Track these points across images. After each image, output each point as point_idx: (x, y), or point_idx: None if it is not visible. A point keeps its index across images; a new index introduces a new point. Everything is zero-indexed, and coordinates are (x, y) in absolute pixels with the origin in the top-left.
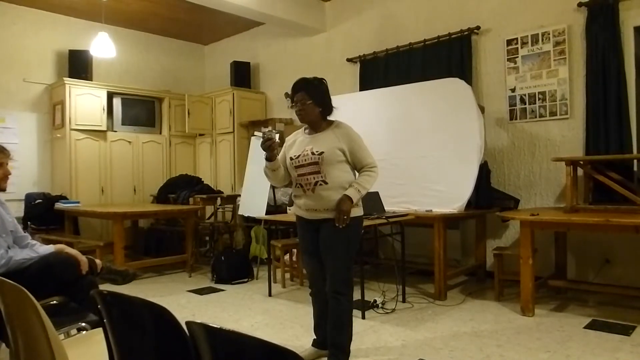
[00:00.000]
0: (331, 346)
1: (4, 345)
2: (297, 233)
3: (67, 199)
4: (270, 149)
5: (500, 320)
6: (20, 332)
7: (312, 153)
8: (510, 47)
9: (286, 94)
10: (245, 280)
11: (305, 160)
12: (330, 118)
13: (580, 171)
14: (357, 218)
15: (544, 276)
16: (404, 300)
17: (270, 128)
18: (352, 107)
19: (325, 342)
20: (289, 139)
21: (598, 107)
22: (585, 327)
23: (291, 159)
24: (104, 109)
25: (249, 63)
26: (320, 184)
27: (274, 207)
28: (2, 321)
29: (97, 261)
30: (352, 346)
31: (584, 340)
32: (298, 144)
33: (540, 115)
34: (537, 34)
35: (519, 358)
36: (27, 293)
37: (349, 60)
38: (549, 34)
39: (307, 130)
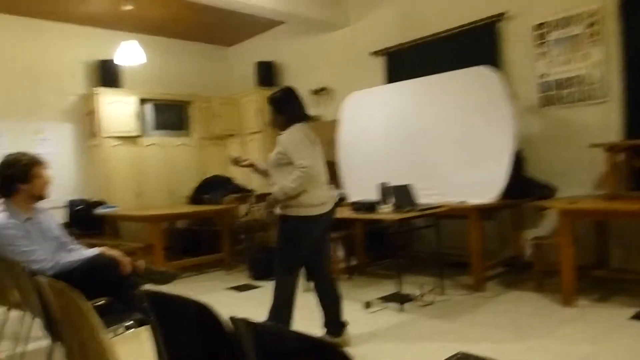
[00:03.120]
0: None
1: (59, 344)
2: None
3: (105, 204)
4: (238, 166)
5: (541, 311)
6: (73, 332)
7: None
8: (538, 32)
9: (311, 91)
10: None
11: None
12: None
13: (619, 157)
14: (293, 218)
15: (585, 266)
16: (441, 293)
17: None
18: (378, 101)
19: (327, 323)
20: None
21: (637, 88)
22: (631, 318)
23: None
24: (135, 116)
25: (273, 62)
26: (272, 186)
27: None
28: (56, 322)
29: (139, 262)
30: (391, 339)
31: (630, 331)
32: None
33: (574, 101)
34: (567, 17)
35: (562, 350)
36: (78, 294)
37: (373, 53)
38: (580, 16)
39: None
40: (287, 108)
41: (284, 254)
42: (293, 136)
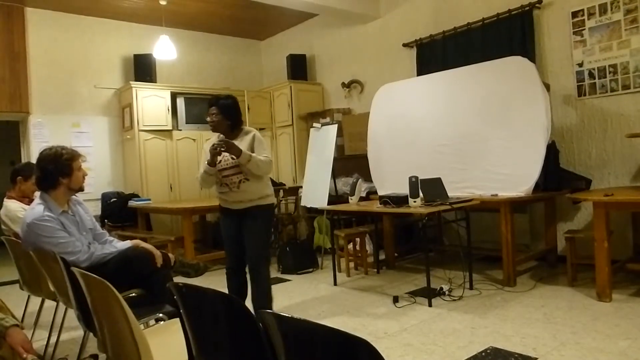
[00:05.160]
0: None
1: (92, 334)
2: (221, 222)
3: (139, 196)
4: (215, 156)
5: (575, 306)
6: (106, 323)
7: (232, 158)
8: (575, 19)
9: (343, 84)
10: (311, 270)
11: (227, 164)
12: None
13: None
14: (269, 206)
15: (621, 259)
16: (471, 287)
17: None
18: (410, 93)
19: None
20: (206, 146)
21: None
22: None
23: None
24: (168, 109)
25: (305, 55)
26: (243, 182)
27: (335, 197)
28: (89, 312)
29: (171, 255)
30: (420, 333)
31: None
32: None
33: (612, 90)
34: (606, 3)
35: (597, 345)
36: (110, 286)
37: (405, 45)
38: (618, 2)
39: (221, 138)
40: (235, 115)
41: (268, 240)
42: (259, 136)
